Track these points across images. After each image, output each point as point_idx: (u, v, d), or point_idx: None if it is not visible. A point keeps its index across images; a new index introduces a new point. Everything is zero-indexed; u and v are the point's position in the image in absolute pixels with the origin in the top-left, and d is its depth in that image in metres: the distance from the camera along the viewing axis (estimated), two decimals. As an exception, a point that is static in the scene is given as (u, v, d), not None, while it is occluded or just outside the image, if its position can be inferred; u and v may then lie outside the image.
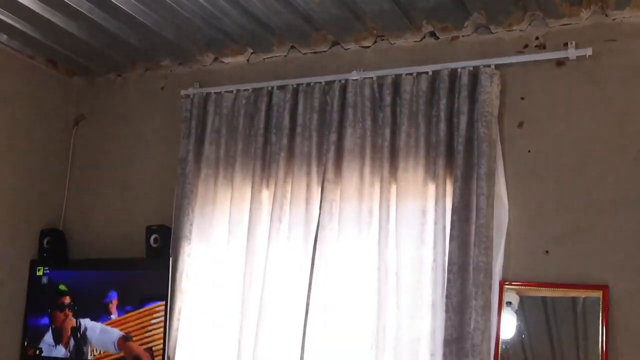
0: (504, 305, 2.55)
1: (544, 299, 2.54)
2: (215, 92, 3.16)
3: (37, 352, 3.24)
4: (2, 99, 3.28)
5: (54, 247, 3.36)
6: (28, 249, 3.35)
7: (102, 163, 3.52)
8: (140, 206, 3.33)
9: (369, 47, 3.03)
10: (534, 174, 2.64)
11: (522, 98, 2.71)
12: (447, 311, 2.51)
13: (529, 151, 2.66)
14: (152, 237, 3.11)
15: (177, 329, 2.96)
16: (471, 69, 2.69)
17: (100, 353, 3.10)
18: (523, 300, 2.56)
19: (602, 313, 2.42)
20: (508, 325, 2.54)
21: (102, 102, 3.61)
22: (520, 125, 2.70)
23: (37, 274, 3.30)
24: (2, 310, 3.23)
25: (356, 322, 2.64)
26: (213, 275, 2.96)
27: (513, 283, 2.57)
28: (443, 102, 2.69)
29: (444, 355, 2.49)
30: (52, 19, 2.98)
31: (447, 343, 2.49)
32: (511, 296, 2.56)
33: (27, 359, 3.27)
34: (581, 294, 2.47)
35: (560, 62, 2.68)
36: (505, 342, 2.53)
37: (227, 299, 2.90)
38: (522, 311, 2.55)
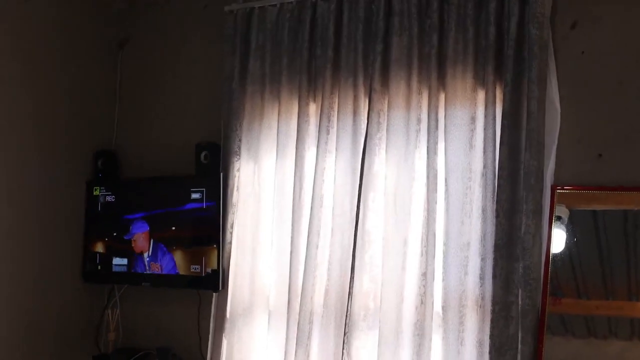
0: (554, 219, 2.52)
1: (594, 212, 2.51)
2: (258, 7, 3.11)
3: (99, 267, 3.38)
4: (45, 26, 3.27)
5: (107, 167, 3.45)
6: (83, 171, 3.44)
7: (149, 84, 3.54)
8: (189, 124, 3.36)
9: (414, -48, 2.92)
10: (587, 76, 2.55)
11: (576, -4, 2.61)
12: (497, 216, 2.51)
13: (583, 52, 2.58)
14: (202, 154, 3.15)
15: (230, 242, 3.04)
16: (522, -33, 2.59)
17: (160, 268, 3.23)
18: (573, 214, 2.53)
19: (657, 221, 2.38)
20: (558, 240, 2.52)
21: (145, 24, 3.60)
22: (574, 25, 2.60)
23: (94, 193, 3.41)
24: (63, 231, 3.35)
25: (405, 228, 2.67)
26: (263, 189, 3.01)
27: (565, 187, 2.54)
28: (492, 5, 2.60)
29: (495, 259, 2.50)
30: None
31: (498, 247, 2.50)
32: (561, 210, 2.53)
33: (89, 275, 3.42)
34: (634, 203, 2.42)
35: (617, -45, 2.55)
36: (555, 255, 2.52)
37: (278, 211, 2.96)
38: (572, 225, 2.52)
